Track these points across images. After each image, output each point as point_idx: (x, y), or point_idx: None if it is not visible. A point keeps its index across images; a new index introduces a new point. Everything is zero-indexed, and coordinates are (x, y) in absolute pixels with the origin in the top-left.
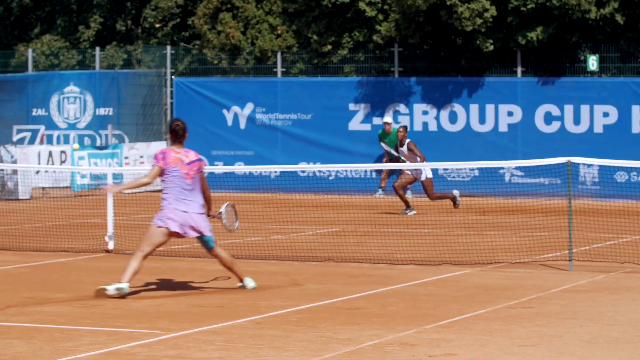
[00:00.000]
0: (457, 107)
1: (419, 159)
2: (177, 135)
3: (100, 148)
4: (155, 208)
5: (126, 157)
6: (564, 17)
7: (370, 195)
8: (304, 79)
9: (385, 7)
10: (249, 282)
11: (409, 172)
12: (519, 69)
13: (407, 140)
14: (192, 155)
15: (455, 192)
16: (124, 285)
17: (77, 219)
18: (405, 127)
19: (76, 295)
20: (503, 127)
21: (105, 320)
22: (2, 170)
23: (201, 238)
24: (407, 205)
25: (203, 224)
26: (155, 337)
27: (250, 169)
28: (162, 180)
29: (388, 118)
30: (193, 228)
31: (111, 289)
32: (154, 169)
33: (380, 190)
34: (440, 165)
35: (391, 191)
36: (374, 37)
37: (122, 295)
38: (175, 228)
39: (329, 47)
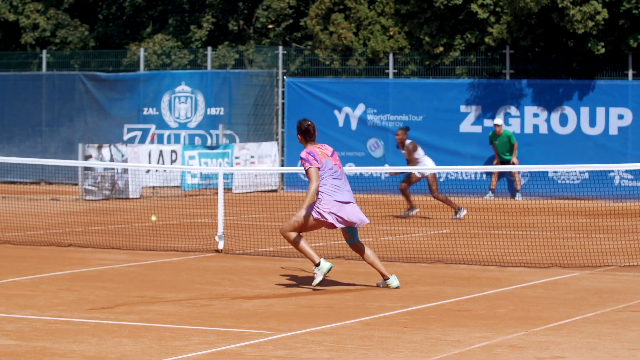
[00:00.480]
0: (568, 110)
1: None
2: (310, 134)
3: (211, 148)
4: (266, 208)
5: (237, 157)
6: None
7: (480, 197)
8: (416, 80)
9: (497, 9)
10: (393, 281)
11: (418, 175)
12: (630, 72)
13: (408, 142)
14: (329, 147)
15: (463, 211)
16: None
17: (187, 219)
18: (404, 130)
19: (186, 294)
20: (613, 130)
21: (215, 320)
22: (113, 169)
23: (352, 228)
24: (411, 206)
25: (360, 214)
26: (264, 337)
27: (361, 170)
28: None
29: (499, 120)
30: (351, 218)
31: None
32: (313, 170)
33: (490, 192)
34: (550, 168)
35: (501, 193)
36: (486, 39)
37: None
38: (332, 220)
39: (441, 48)
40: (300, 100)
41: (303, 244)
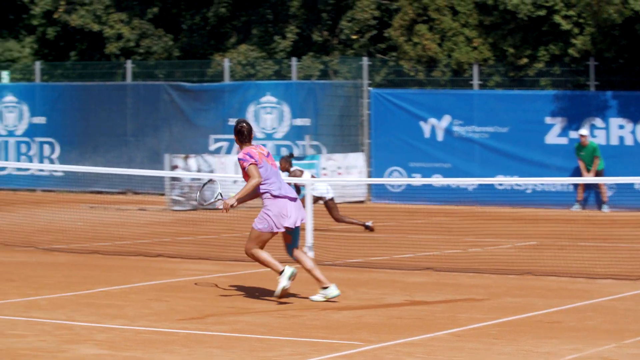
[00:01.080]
0: None
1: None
2: (244, 135)
3: (298, 159)
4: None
5: (324, 168)
6: None
7: (566, 209)
8: (500, 91)
9: (581, 20)
10: (333, 291)
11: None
12: None
13: (293, 169)
14: (264, 148)
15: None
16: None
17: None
18: (286, 158)
19: (276, 305)
20: None
21: (306, 331)
22: (200, 179)
23: (296, 230)
24: (362, 223)
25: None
26: (355, 348)
27: (448, 182)
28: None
29: (584, 130)
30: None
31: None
32: (253, 167)
33: (577, 203)
34: (636, 180)
35: (588, 205)
36: (570, 51)
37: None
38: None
39: (525, 60)
40: (385, 111)
41: (265, 255)
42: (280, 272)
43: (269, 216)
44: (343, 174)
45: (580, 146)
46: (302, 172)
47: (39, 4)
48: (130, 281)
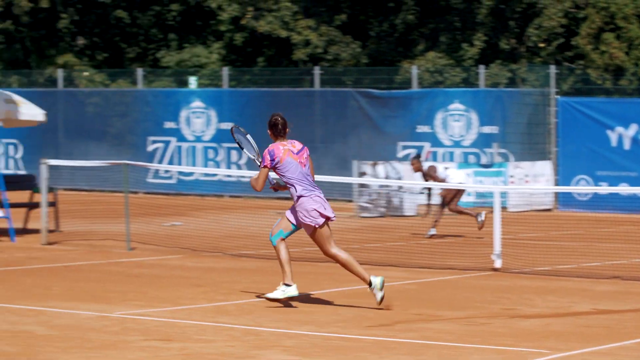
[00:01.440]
0: None
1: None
2: (278, 129)
3: (486, 166)
4: (539, 227)
5: (511, 176)
6: None
7: None
8: None
9: None
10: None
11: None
12: None
13: (426, 168)
14: (298, 144)
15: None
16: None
17: (463, 236)
18: (417, 158)
19: (464, 313)
20: None
21: (494, 339)
22: (388, 186)
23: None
24: (474, 215)
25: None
26: (543, 356)
27: (635, 190)
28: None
29: None
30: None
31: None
32: (264, 171)
33: None
34: None
35: None
36: None
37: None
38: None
39: None
40: (573, 119)
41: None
42: (369, 283)
43: (304, 215)
44: (530, 182)
45: None
46: (434, 167)
47: (227, 10)
48: (319, 287)
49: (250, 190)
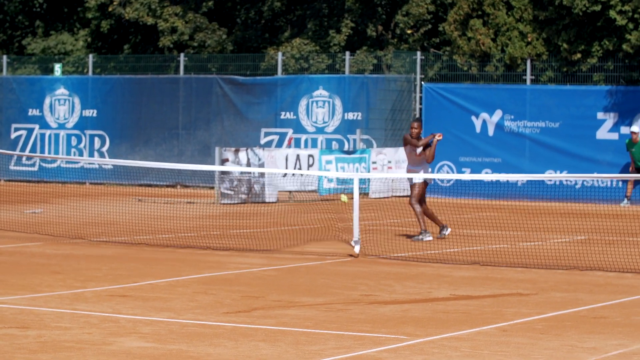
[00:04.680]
0: None
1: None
2: None
3: (348, 153)
4: (400, 213)
5: (374, 162)
6: None
7: (616, 204)
8: (553, 87)
9: (636, 15)
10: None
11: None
12: None
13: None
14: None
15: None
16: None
17: (322, 223)
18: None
19: (322, 299)
20: None
21: (351, 325)
22: (250, 173)
23: None
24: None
25: None
26: (401, 342)
27: (498, 177)
28: None
29: (635, 127)
30: None
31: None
32: None
33: (626, 199)
34: None
35: (637, 200)
36: (624, 46)
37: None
38: None
39: (579, 55)
40: (437, 105)
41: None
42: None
43: None
44: (393, 169)
45: (631, 142)
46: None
47: None
48: (178, 274)
49: (112, 177)
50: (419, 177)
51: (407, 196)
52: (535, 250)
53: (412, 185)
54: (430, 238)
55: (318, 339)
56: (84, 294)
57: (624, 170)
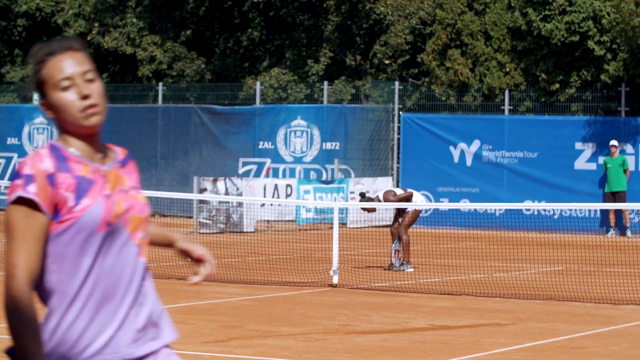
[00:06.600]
0: None
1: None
2: None
3: (326, 182)
4: (380, 244)
5: (352, 192)
6: None
7: (594, 234)
8: (531, 117)
9: (614, 46)
10: None
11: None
12: None
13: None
14: None
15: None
16: None
17: (301, 253)
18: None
19: (300, 329)
20: None
21: (329, 355)
22: (228, 202)
23: None
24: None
25: None
26: None
27: (476, 206)
28: None
29: (614, 141)
30: None
31: None
32: None
33: (612, 229)
34: None
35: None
36: (602, 77)
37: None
38: None
39: (557, 85)
40: (415, 135)
41: None
42: None
43: None
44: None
45: (609, 158)
46: (392, 192)
47: (73, 27)
48: None
49: None
50: (410, 205)
51: (387, 226)
52: (513, 280)
53: (406, 213)
54: (412, 269)
55: None
56: None
57: (603, 200)
